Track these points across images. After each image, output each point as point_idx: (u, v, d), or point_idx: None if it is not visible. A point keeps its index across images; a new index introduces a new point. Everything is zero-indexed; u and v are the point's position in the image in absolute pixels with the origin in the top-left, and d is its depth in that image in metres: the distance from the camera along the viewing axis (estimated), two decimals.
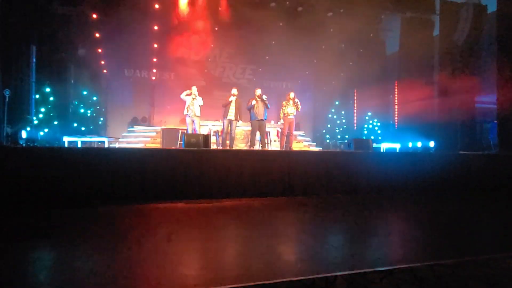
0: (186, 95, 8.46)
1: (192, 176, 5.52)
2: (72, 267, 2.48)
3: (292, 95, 8.69)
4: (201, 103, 8.54)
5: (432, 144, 10.58)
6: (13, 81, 8.77)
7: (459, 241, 3.34)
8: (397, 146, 10.82)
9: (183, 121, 10.26)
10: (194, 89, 8.51)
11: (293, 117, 8.72)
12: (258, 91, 8.41)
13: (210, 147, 7.01)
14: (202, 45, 12.82)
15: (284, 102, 8.73)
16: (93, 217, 4.30)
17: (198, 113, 8.51)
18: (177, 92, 12.79)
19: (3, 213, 4.30)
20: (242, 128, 10.97)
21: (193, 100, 8.40)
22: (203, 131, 9.77)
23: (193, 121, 8.52)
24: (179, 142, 9.78)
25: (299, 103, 8.71)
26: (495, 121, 10.08)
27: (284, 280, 2.12)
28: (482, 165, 7.14)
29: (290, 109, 8.60)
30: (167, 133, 10.70)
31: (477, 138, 11.05)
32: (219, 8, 11.76)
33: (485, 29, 10.69)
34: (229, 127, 8.51)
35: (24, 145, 8.29)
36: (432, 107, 11.30)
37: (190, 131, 8.49)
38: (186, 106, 8.45)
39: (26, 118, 9.34)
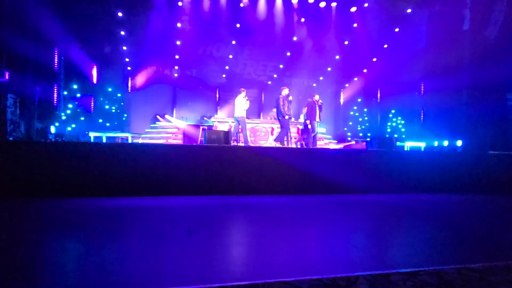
0: (243, 98, 8.71)
1: (213, 172, 5.58)
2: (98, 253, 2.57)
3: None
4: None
5: (459, 143, 10.15)
6: (42, 79, 9.14)
7: (488, 244, 3.19)
8: (422, 144, 10.47)
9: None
10: (244, 92, 8.81)
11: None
12: (286, 91, 8.52)
13: (230, 143, 7.05)
14: (224, 42, 12.93)
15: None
16: (119, 209, 4.43)
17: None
18: (198, 88, 13.05)
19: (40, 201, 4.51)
20: (262, 125, 10.96)
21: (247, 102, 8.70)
22: (223, 127, 9.86)
23: (238, 121, 8.69)
24: (200, 139, 9.90)
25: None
26: None
27: (305, 278, 2.10)
28: None
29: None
30: (189, 130, 10.86)
31: (509, 137, 10.50)
32: (241, 5, 11.77)
33: None
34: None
35: (53, 139, 8.65)
36: (461, 104, 10.84)
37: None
38: (242, 107, 8.62)
39: (54, 114, 9.72)
